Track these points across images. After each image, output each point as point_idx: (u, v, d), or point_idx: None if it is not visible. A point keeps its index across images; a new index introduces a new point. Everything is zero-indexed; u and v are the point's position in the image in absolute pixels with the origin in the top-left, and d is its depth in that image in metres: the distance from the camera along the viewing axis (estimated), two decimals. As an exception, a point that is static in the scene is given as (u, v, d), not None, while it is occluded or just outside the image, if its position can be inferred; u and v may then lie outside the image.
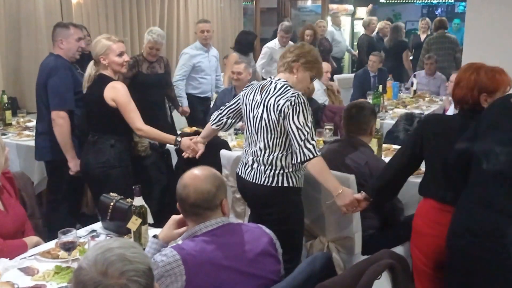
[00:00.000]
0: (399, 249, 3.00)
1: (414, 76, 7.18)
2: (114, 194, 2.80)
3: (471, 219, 2.17)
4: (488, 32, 2.92)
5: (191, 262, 1.90)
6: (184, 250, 1.93)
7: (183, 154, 3.36)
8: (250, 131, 2.94)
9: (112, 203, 2.72)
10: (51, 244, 2.55)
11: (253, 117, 2.89)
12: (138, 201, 2.50)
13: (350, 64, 10.79)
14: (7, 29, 5.60)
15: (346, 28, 12.04)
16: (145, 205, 2.51)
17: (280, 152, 2.82)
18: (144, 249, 2.22)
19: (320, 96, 5.64)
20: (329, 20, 9.86)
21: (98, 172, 3.34)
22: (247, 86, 3.05)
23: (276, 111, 2.76)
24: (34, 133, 4.59)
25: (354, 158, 3.18)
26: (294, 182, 2.85)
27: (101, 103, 3.26)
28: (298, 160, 2.72)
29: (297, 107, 2.71)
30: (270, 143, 2.83)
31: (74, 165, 3.64)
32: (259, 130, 2.86)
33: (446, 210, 2.42)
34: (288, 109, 2.72)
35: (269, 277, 2.05)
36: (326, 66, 6.28)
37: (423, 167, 2.73)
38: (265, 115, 2.82)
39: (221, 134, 4.57)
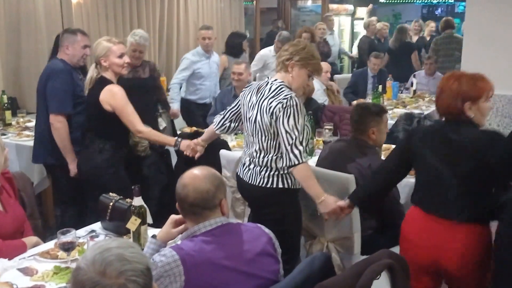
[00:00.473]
0: (398, 249, 2.99)
1: (414, 76, 7.17)
2: (114, 194, 2.80)
3: None
4: (488, 31, 2.91)
5: (190, 262, 1.90)
6: (183, 250, 1.93)
7: (184, 152, 3.37)
8: (247, 132, 2.96)
9: (111, 203, 2.73)
10: (50, 245, 2.55)
11: (249, 119, 2.90)
12: (138, 201, 2.50)
13: (350, 65, 10.77)
14: (7, 29, 5.59)
15: (346, 28, 12.06)
16: (145, 205, 2.52)
17: (275, 154, 2.82)
18: (143, 249, 2.23)
19: (319, 96, 5.64)
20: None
21: (87, 176, 3.43)
22: (247, 87, 3.05)
23: (268, 113, 2.75)
24: (33, 133, 4.62)
25: (357, 159, 3.16)
26: (290, 184, 2.85)
27: (97, 106, 3.27)
28: (285, 164, 2.74)
29: (288, 110, 2.70)
30: (265, 145, 2.83)
31: (73, 167, 3.64)
32: (255, 132, 2.87)
33: (432, 219, 2.44)
34: (279, 111, 2.71)
35: (268, 277, 2.05)
36: (326, 66, 6.28)
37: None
38: (258, 117, 2.82)
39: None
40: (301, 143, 2.71)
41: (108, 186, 3.05)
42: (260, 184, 2.85)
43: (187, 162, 3.30)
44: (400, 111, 5.72)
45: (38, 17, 5.81)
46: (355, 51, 10.18)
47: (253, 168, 2.89)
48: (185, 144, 3.34)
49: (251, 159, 2.91)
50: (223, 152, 3.77)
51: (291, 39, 6.44)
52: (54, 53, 4.18)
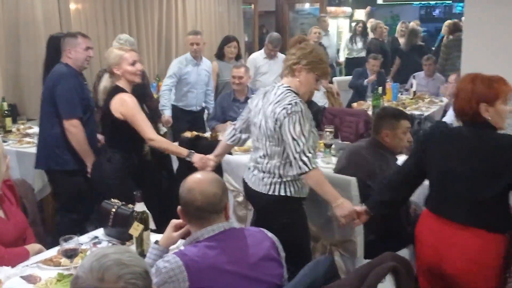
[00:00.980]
0: (402, 252, 2.99)
1: (413, 77, 7.18)
2: (116, 200, 2.79)
3: None
4: (487, 31, 2.92)
5: (194, 267, 1.90)
6: (187, 256, 1.92)
7: (194, 164, 3.28)
8: (254, 137, 2.94)
9: (113, 209, 2.72)
10: (53, 252, 2.54)
11: (255, 124, 2.88)
12: (140, 207, 2.49)
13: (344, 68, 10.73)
14: (6, 35, 5.60)
15: (344, 30, 12.08)
16: (147, 211, 2.51)
17: (278, 160, 2.79)
18: (146, 255, 2.23)
19: (319, 98, 5.65)
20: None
21: (94, 183, 3.47)
22: (256, 93, 3.03)
23: (273, 119, 2.72)
24: (34, 140, 4.62)
25: (370, 158, 3.19)
26: (292, 192, 2.82)
27: (108, 115, 3.27)
28: (295, 172, 2.71)
29: (294, 116, 2.67)
30: (269, 151, 2.80)
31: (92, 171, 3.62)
32: (260, 137, 2.85)
33: (442, 221, 2.42)
34: (284, 117, 2.67)
35: (272, 281, 2.05)
36: (325, 68, 6.30)
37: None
38: (263, 123, 2.80)
39: (222, 138, 4.57)
40: (309, 150, 2.67)
41: (111, 195, 3.00)
42: (262, 191, 2.83)
43: (188, 167, 3.30)
44: (400, 112, 5.71)
45: (37, 24, 5.82)
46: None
47: (257, 174, 2.88)
48: (198, 157, 3.28)
49: (255, 165, 2.89)
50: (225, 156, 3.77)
51: (281, 40, 6.42)
52: (49, 58, 4.22)
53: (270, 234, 2.15)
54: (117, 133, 3.33)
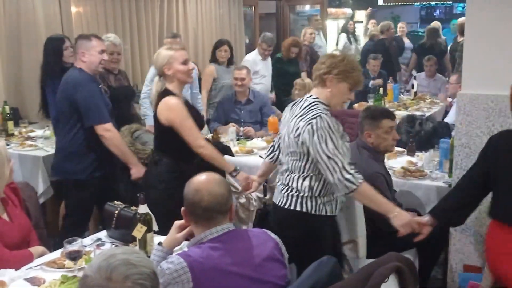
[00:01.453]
0: (407, 253, 2.99)
1: (415, 78, 7.18)
2: (119, 202, 2.80)
3: None
4: (489, 31, 2.91)
5: (198, 269, 1.90)
6: (191, 257, 1.93)
7: (239, 183, 3.19)
8: (282, 151, 2.83)
9: (116, 211, 2.72)
10: (57, 254, 2.55)
11: (281, 136, 2.79)
12: (143, 208, 2.50)
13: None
14: (8, 39, 5.61)
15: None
16: (150, 213, 2.51)
17: (298, 174, 2.65)
18: (149, 257, 2.23)
19: (321, 100, 5.64)
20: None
21: (141, 186, 3.26)
22: (289, 104, 2.86)
23: (295, 134, 2.58)
24: (36, 143, 4.63)
25: (355, 158, 3.16)
26: (309, 208, 2.65)
27: (156, 121, 3.14)
28: (342, 193, 2.54)
29: (322, 133, 2.48)
30: (291, 165, 2.68)
31: (136, 171, 3.53)
32: (284, 151, 2.75)
33: None
34: (310, 134, 2.50)
35: (276, 282, 2.05)
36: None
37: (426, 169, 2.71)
38: (286, 137, 2.68)
39: (224, 139, 4.58)
40: (349, 164, 2.49)
41: (157, 202, 2.89)
42: (280, 204, 2.72)
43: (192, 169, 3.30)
44: (402, 113, 5.72)
45: (38, 27, 5.83)
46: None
47: (278, 185, 2.79)
48: (243, 176, 3.16)
49: (279, 177, 2.80)
50: (226, 157, 3.77)
51: (275, 40, 6.40)
52: (47, 61, 4.22)
53: (273, 235, 2.16)
54: (164, 139, 3.17)
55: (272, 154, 3.06)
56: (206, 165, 3.08)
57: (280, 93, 6.52)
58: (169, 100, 3.06)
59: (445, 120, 5.44)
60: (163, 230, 2.48)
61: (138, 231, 2.47)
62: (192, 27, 8.18)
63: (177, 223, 2.24)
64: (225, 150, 4.08)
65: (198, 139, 3.13)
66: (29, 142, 4.68)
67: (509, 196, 2.42)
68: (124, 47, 5.21)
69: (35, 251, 2.56)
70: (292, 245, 2.29)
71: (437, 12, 15.06)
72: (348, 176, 2.47)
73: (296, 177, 2.66)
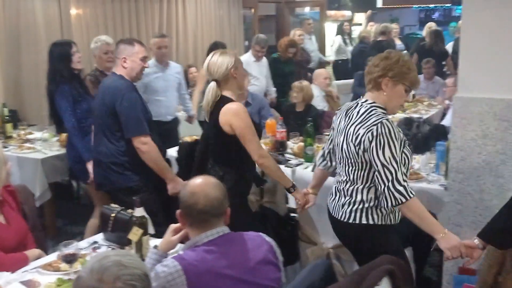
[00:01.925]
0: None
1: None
2: (115, 205, 2.81)
3: None
4: (485, 35, 2.92)
5: (192, 272, 1.91)
6: (185, 260, 1.94)
7: (296, 199, 3.07)
8: (338, 160, 2.66)
9: (113, 214, 2.73)
10: (53, 257, 2.55)
11: (337, 145, 2.61)
12: (139, 211, 2.51)
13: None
14: (7, 42, 5.64)
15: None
16: (146, 216, 2.53)
17: (362, 185, 2.51)
18: (145, 259, 2.24)
19: (319, 102, 5.67)
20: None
21: None
22: (339, 109, 2.73)
23: (355, 142, 2.44)
24: (35, 146, 4.64)
25: None
26: (376, 219, 2.53)
27: (216, 128, 2.98)
28: (389, 204, 2.37)
29: (381, 139, 2.35)
30: (351, 176, 2.53)
31: (172, 187, 3.35)
32: (342, 160, 2.58)
33: None
34: (369, 141, 2.37)
35: (270, 285, 2.06)
36: (325, 72, 6.32)
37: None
38: (345, 145, 2.52)
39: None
40: (403, 176, 2.36)
41: (235, 219, 2.84)
42: (342, 219, 2.56)
43: (188, 171, 3.32)
44: (399, 115, 5.73)
45: (38, 30, 5.86)
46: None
47: (338, 198, 2.62)
48: (300, 192, 3.03)
49: (338, 188, 2.65)
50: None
51: (268, 40, 6.39)
52: (53, 67, 4.00)
53: (268, 238, 2.17)
54: (227, 150, 3.03)
55: (325, 162, 2.88)
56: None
57: (277, 94, 6.54)
58: (232, 105, 2.95)
59: (442, 122, 5.45)
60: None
61: (134, 234, 2.48)
62: (192, 29, 8.20)
63: (172, 226, 2.26)
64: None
65: (261, 149, 3.02)
66: (27, 145, 4.70)
67: None
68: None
69: (31, 254, 2.57)
70: (366, 256, 2.26)
71: (436, 14, 15.08)
72: (400, 188, 2.34)
73: (360, 188, 2.52)
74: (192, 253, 1.99)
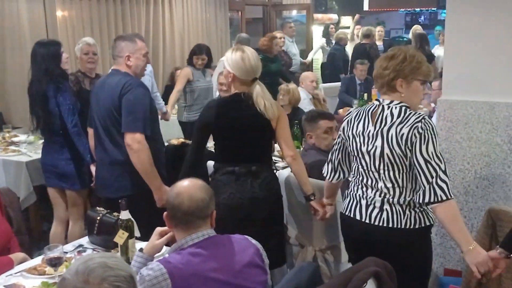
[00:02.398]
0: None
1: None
2: (101, 208, 2.80)
3: None
4: (469, 39, 2.96)
5: (178, 275, 1.91)
6: (171, 264, 1.93)
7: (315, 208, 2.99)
8: (366, 168, 2.44)
9: (99, 217, 2.72)
10: (38, 260, 2.53)
11: (369, 152, 2.40)
12: (125, 214, 2.50)
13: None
14: (-9, 43, 5.59)
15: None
16: (132, 219, 2.51)
17: (413, 189, 2.36)
18: (130, 263, 2.23)
19: (306, 105, 5.68)
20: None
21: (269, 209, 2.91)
22: (349, 114, 2.55)
23: (402, 143, 2.29)
24: (20, 148, 4.60)
25: (303, 159, 3.25)
26: (432, 218, 2.42)
27: (263, 125, 2.88)
28: (426, 200, 2.25)
29: (426, 135, 2.25)
30: (400, 180, 2.36)
31: (159, 198, 3.12)
32: (382, 166, 2.37)
33: None
34: (415, 137, 2.26)
35: (256, 288, 2.06)
36: (311, 75, 6.34)
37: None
38: (387, 150, 2.33)
39: (209, 145, 4.57)
40: (445, 173, 2.25)
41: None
42: (407, 226, 2.36)
43: (173, 172, 3.30)
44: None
45: (23, 31, 5.81)
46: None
47: (391, 208, 2.39)
48: (320, 202, 2.95)
49: (384, 199, 2.40)
50: (210, 163, 3.78)
51: (250, 40, 6.38)
52: (38, 68, 3.79)
53: (254, 241, 2.17)
54: (267, 148, 3.00)
55: (337, 175, 2.69)
56: None
57: None
58: (276, 102, 2.95)
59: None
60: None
61: (120, 237, 2.47)
62: (179, 32, 8.18)
63: (158, 229, 2.25)
64: (209, 155, 4.08)
65: (293, 148, 2.99)
66: (12, 147, 4.66)
67: None
68: (109, 51, 5.14)
69: (16, 257, 2.54)
70: (416, 267, 2.25)
71: (422, 18, 15.21)
72: (442, 184, 2.23)
73: (412, 191, 2.36)
74: (177, 256, 1.98)
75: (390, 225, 2.37)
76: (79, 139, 3.74)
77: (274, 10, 10.86)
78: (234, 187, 2.85)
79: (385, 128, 2.34)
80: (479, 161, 2.96)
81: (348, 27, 11.59)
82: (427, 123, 2.27)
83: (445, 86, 3.06)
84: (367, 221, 2.43)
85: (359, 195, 2.49)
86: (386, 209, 2.39)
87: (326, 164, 2.72)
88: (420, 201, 2.28)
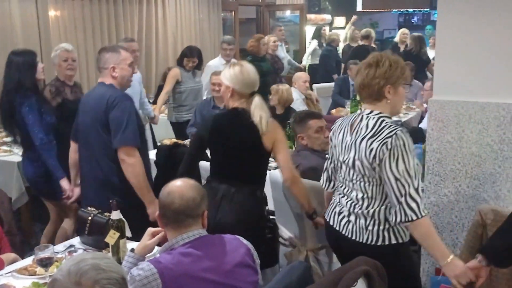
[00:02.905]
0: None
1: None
2: (92, 208, 2.79)
3: None
4: (460, 39, 2.97)
5: (168, 275, 1.90)
6: (161, 264, 1.93)
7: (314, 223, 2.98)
8: (344, 176, 2.46)
9: (90, 218, 2.72)
10: (28, 261, 2.53)
11: (344, 162, 2.42)
12: (116, 215, 2.50)
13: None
14: (-17, 44, 5.56)
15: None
16: (123, 219, 2.51)
17: (381, 200, 2.34)
18: (122, 263, 2.23)
19: (299, 105, 5.69)
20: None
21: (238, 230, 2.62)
22: (336, 122, 2.58)
23: (370, 158, 2.28)
24: (12, 149, 4.57)
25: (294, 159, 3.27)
26: (404, 236, 2.37)
27: (255, 145, 2.82)
28: (398, 220, 2.22)
29: (395, 152, 2.21)
30: (369, 192, 2.34)
31: (152, 211, 3.01)
32: (354, 177, 2.38)
33: None
34: (384, 154, 2.23)
35: (247, 288, 2.06)
36: (304, 75, 6.35)
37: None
38: (357, 161, 2.33)
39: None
40: (417, 191, 2.21)
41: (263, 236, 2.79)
42: (369, 242, 2.35)
43: (167, 174, 3.30)
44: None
45: (15, 32, 5.79)
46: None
47: (355, 220, 2.39)
48: (320, 221, 2.88)
49: (351, 209, 2.41)
50: (202, 163, 3.77)
51: (235, 40, 6.40)
52: (10, 80, 3.65)
53: (245, 241, 2.17)
54: (261, 168, 2.93)
55: (332, 183, 2.67)
56: None
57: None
58: (272, 119, 2.86)
59: (420, 125, 5.51)
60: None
61: (111, 237, 2.47)
62: (172, 32, 8.18)
63: (150, 230, 2.26)
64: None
65: (294, 169, 2.92)
66: (3, 148, 4.64)
67: None
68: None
69: (6, 258, 2.54)
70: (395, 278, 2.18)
71: (415, 18, 15.27)
72: (413, 205, 2.20)
73: (381, 205, 2.35)
74: (168, 256, 1.98)
75: (354, 238, 2.39)
76: (47, 154, 3.60)
77: (267, 11, 10.87)
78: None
79: (358, 140, 2.34)
80: (470, 161, 2.97)
81: (342, 28, 11.63)
82: (398, 139, 2.22)
83: (436, 86, 3.07)
84: (337, 228, 2.46)
85: (336, 202, 2.53)
86: (351, 220, 2.40)
87: (322, 173, 2.71)
88: (393, 221, 2.26)
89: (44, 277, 2.33)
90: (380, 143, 2.25)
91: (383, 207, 2.33)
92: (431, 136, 3.06)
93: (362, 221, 2.37)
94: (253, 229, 2.76)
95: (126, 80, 3.23)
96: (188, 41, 8.36)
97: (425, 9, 13.86)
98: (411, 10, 14.34)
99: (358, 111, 2.45)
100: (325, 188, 2.71)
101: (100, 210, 2.75)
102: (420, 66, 7.41)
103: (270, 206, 3.31)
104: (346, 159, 2.40)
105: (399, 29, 11.04)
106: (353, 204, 2.40)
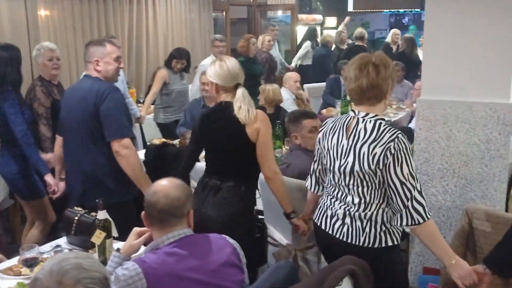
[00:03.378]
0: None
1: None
2: (79, 208, 2.78)
3: None
4: (446, 40, 2.98)
5: (153, 275, 1.90)
6: (146, 263, 1.92)
7: (296, 229, 2.97)
8: (337, 181, 2.42)
9: (76, 217, 2.71)
10: (14, 261, 2.51)
11: (341, 166, 2.37)
12: (102, 214, 2.48)
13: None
14: (-29, 43, 5.51)
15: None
16: (109, 219, 2.50)
17: (379, 203, 2.33)
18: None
19: (289, 105, 5.69)
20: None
21: (223, 228, 2.60)
22: (323, 125, 2.55)
23: (373, 163, 2.25)
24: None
25: (286, 159, 3.35)
26: (398, 238, 2.39)
27: (240, 137, 2.80)
28: (404, 224, 2.23)
29: (399, 155, 2.21)
30: (368, 197, 2.33)
31: None
32: (352, 182, 2.35)
33: None
34: (387, 158, 2.22)
35: (233, 287, 2.06)
36: (295, 75, 6.34)
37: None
38: (357, 167, 2.29)
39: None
40: (420, 194, 2.22)
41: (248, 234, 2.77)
42: (365, 245, 2.34)
43: (155, 173, 3.28)
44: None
45: (4, 32, 5.76)
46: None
47: (351, 223, 2.37)
48: (300, 220, 2.92)
49: (346, 212, 2.39)
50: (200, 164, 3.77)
51: (225, 39, 6.41)
52: (4, 71, 3.62)
53: (231, 241, 2.17)
54: (245, 162, 2.86)
55: (319, 186, 2.67)
56: None
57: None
58: (260, 111, 2.87)
59: (410, 125, 5.53)
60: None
61: (97, 237, 2.45)
62: (162, 32, 8.16)
63: (136, 230, 2.25)
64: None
65: (275, 164, 2.89)
66: (-9, 148, 4.59)
67: None
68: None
69: (-8, 258, 2.52)
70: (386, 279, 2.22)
71: (406, 19, 15.35)
72: (419, 208, 2.21)
73: (377, 209, 2.34)
74: (153, 255, 1.98)
75: (349, 241, 2.37)
76: (30, 149, 3.58)
77: (258, 11, 10.87)
78: (195, 199, 2.72)
79: (358, 145, 2.30)
80: (457, 160, 2.98)
81: (333, 28, 11.64)
82: (400, 142, 2.22)
83: (424, 86, 3.08)
84: (330, 231, 2.44)
85: (327, 205, 2.49)
86: (347, 222, 2.38)
87: (309, 176, 2.69)
88: (398, 224, 2.26)
89: (29, 278, 2.30)
90: (383, 148, 2.22)
91: (380, 210, 2.33)
92: (419, 135, 3.07)
93: (359, 223, 2.35)
94: (237, 225, 2.75)
95: (111, 74, 3.18)
96: (179, 41, 8.35)
97: (416, 10, 13.90)
98: (402, 10, 14.39)
99: (350, 112, 2.42)
100: (314, 192, 2.69)
101: (87, 210, 2.74)
102: (413, 67, 7.46)
103: (259, 205, 3.31)
104: (343, 164, 2.35)
105: (390, 29, 11.08)
106: (348, 208, 2.38)
